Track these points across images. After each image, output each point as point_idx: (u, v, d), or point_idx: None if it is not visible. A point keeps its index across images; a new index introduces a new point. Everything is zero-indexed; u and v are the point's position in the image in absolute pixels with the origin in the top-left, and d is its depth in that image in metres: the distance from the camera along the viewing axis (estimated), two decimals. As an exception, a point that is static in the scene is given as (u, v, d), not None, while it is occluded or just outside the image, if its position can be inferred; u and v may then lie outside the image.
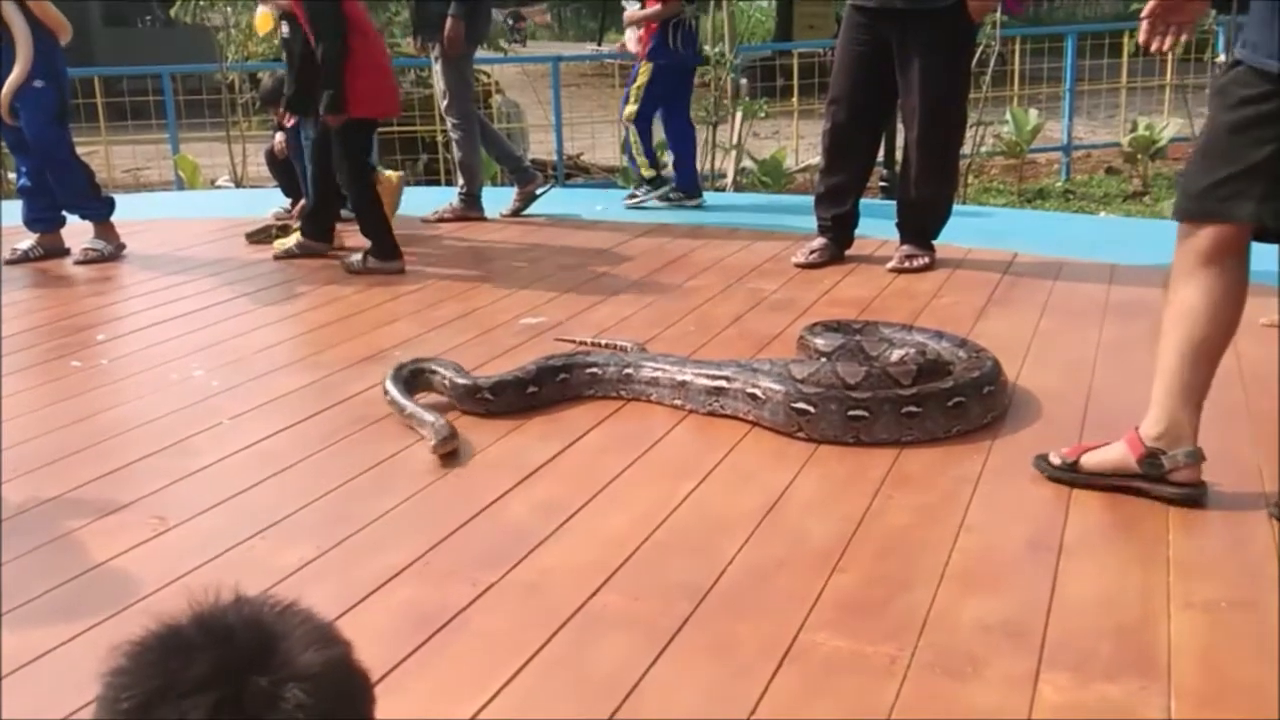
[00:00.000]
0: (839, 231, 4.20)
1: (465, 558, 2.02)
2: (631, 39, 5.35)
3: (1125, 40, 8.48)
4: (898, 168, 8.04)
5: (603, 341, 3.19)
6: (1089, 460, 2.22)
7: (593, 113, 10.69)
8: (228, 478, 2.40)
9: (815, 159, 8.97)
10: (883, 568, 1.96)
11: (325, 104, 4.04)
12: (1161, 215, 6.92)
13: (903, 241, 4.11)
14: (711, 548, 2.03)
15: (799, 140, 9.22)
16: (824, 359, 2.87)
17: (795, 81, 8.86)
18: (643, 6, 5.19)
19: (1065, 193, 8.44)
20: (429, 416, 2.56)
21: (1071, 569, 1.93)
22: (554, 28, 30.04)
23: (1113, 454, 2.19)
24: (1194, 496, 2.12)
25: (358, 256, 4.20)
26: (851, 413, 2.48)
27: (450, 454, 2.45)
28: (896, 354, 2.87)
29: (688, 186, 5.36)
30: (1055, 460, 2.26)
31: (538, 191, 5.24)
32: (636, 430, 2.60)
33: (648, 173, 5.31)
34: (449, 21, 4.80)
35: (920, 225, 4.10)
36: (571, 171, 9.01)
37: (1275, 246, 2.17)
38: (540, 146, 9.91)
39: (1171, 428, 2.11)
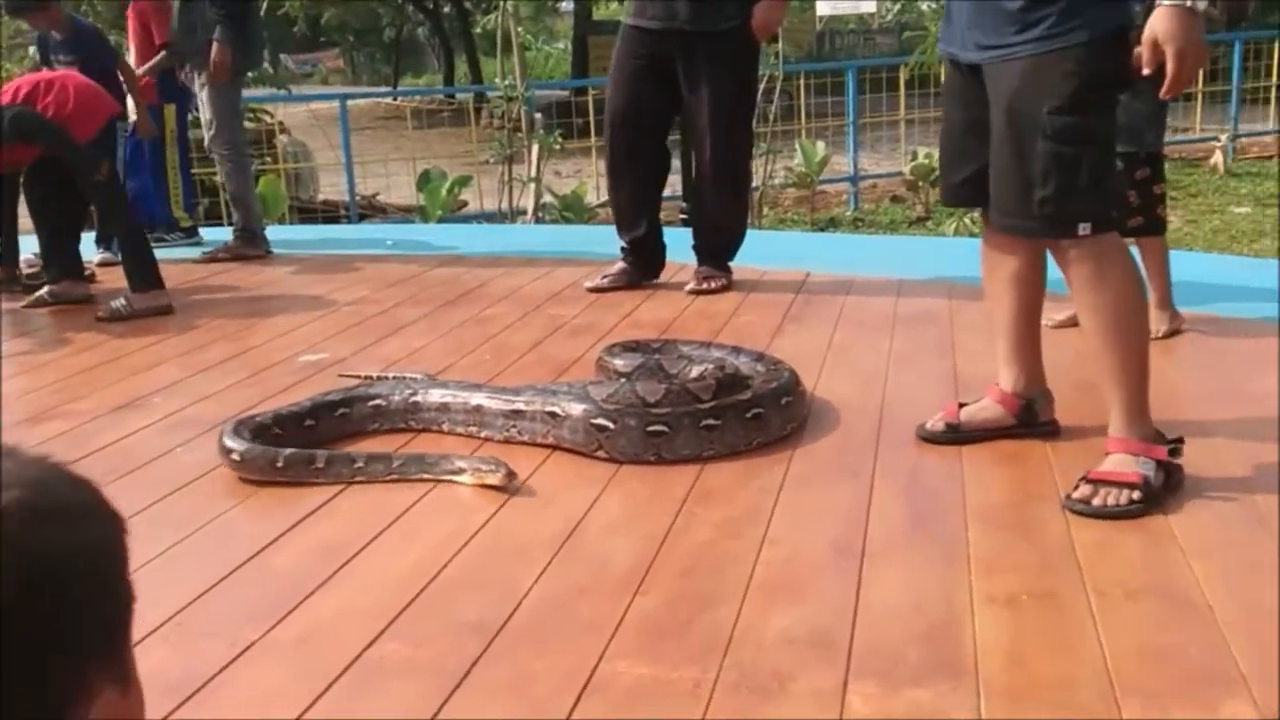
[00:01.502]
0: (638, 257, 4.10)
1: (225, 614, 1.81)
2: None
3: (901, 74, 8.89)
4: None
5: (390, 375, 3.01)
6: (968, 417, 2.43)
7: (388, 154, 10.43)
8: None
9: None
10: (686, 587, 1.86)
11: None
12: (944, 235, 7.23)
13: (700, 263, 4.07)
14: (506, 580, 1.89)
15: (599, 176, 9.24)
16: (623, 379, 2.78)
17: (592, 118, 8.88)
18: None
19: (855, 221, 8.76)
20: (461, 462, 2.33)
21: (875, 573, 1.88)
22: (347, 72, 29.47)
23: (990, 411, 2.44)
24: (1057, 431, 2.43)
25: (119, 301, 3.87)
26: (651, 428, 2.39)
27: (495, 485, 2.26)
28: (696, 370, 2.81)
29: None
30: (937, 426, 2.43)
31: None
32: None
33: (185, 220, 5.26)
34: (215, 47, 4.53)
35: (716, 247, 4.07)
36: (366, 211, 8.74)
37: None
38: (333, 188, 9.61)
39: (1031, 378, 2.42)
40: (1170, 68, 1.96)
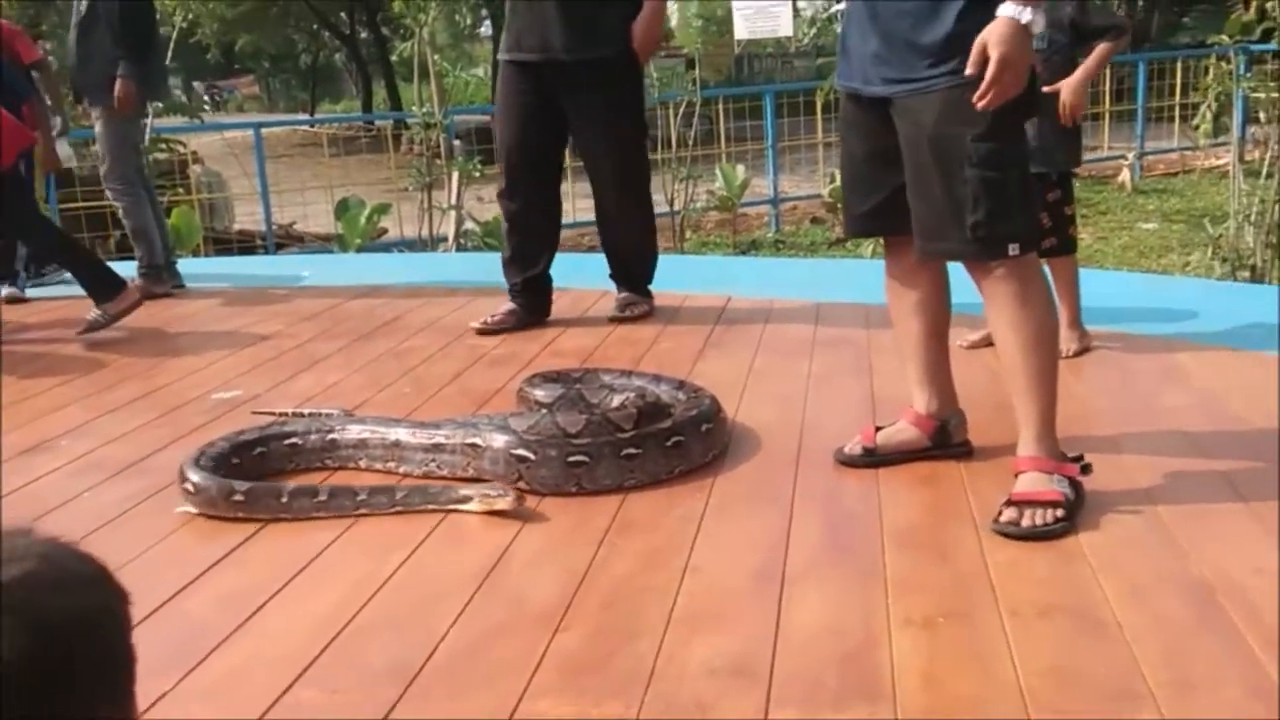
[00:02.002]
0: (529, 297, 3.93)
1: (134, 665, 1.75)
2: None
3: (818, 98, 9.03)
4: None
5: (305, 411, 2.96)
6: (884, 440, 2.46)
7: (305, 182, 10.30)
8: None
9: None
10: (608, 620, 1.85)
11: None
12: (862, 257, 7.34)
13: (620, 290, 4.06)
14: (424, 622, 1.86)
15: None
16: (544, 410, 2.77)
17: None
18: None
19: (776, 243, 8.86)
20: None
21: (795, 599, 1.89)
22: (263, 99, 29.08)
23: (905, 433, 2.48)
24: (970, 451, 2.48)
25: (94, 314, 3.92)
26: (571, 459, 2.38)
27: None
28: (617, 399, 2.81)
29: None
30: (854, 450, 2.47)
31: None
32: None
33: None
34: (119, 82, 4.43)
35: (632, 274, 4.06)
36: (284, 241, 8.61)
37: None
38: (249, 217, 9.45)
39: (943, 400, 2.47)
40: (990, 71, 2.03)
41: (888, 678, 1.64)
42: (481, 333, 3.79)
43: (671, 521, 2.25)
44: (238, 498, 2.31)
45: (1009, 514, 2.10)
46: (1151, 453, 2.46)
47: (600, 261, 4.35)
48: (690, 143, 8.27)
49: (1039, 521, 2.08)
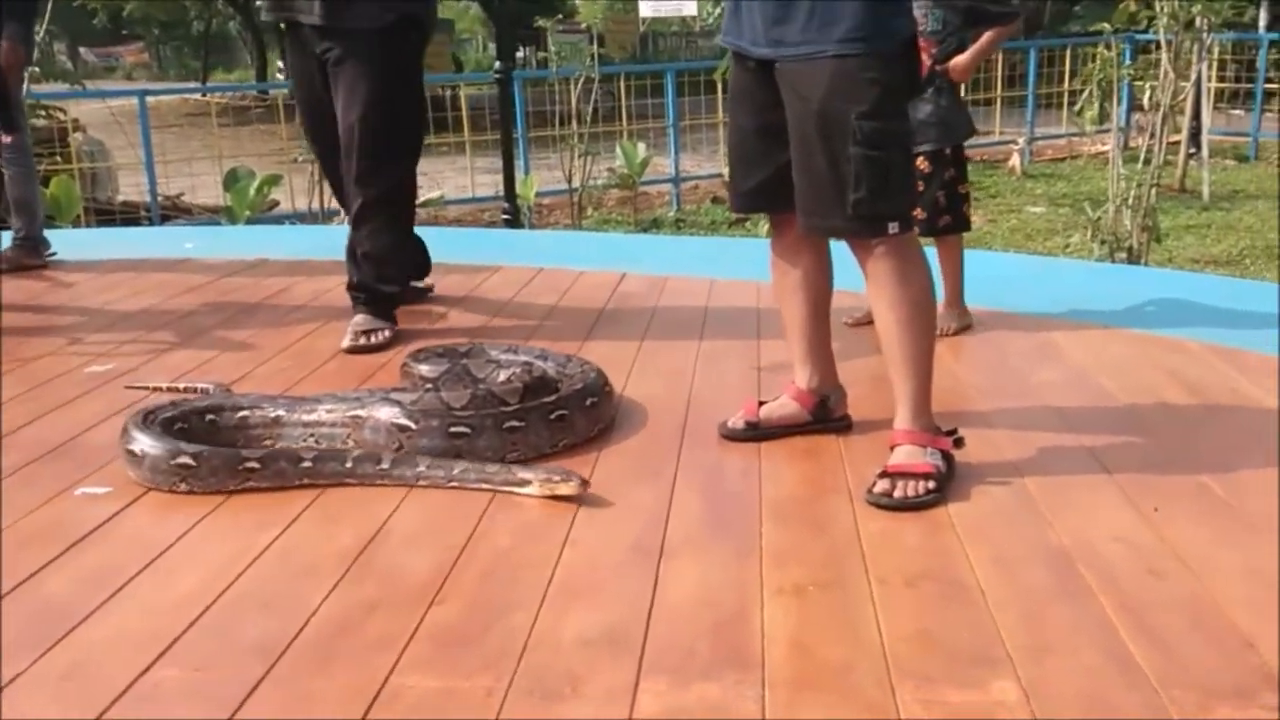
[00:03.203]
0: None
1: (-15, 647, 1.68)
2: None
3: (719, 77, 9.06)
4: (531, 203, 8.07)
5: (180, 386, 2.87)
6: (767, 415, 2.49)
7: (195, 152, 9.99)
8: None
9: (436, 192, 8.92)
10: (484, 594, 1.84)
11: None
12: (759, 236, 7.41)
13: (356, 311, 3.35)
14: (294, 598, 1.82)
15: (421, 176, 9.09)
16: (429, 386, 2.74)
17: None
18: None
19: (677, 221, 8.90)
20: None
21: (673, 570, 1.90)
22: (153, 66, 28.07)
23: (787, 408, 2.51)
24: (850, 426, 2.53)
25: None
26: (453, 429, 2.36)
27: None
28: (503, 374, 2.79)
29: None
30: (738, 424, 2.49)
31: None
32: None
33: None
34: (5, 45, 4.21)
35: (372, 287, 3.37)
36: (170, 212, 8.35)
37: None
38: (135, 188, 9.14)
39: (824, 375, 2.51)
40: None
41: (758, 646, 1.66)
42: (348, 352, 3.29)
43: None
44: (252, 464, 2.26)
45: (882, 485, 2.15)
46: (1022, 427, 2.53)
47: (493, 237, 4.32)
48: (588, 118, 8.23)
49: (910, 493, 2.13)
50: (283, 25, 3.47)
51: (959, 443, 2.27)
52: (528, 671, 1.60)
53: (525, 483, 2.22)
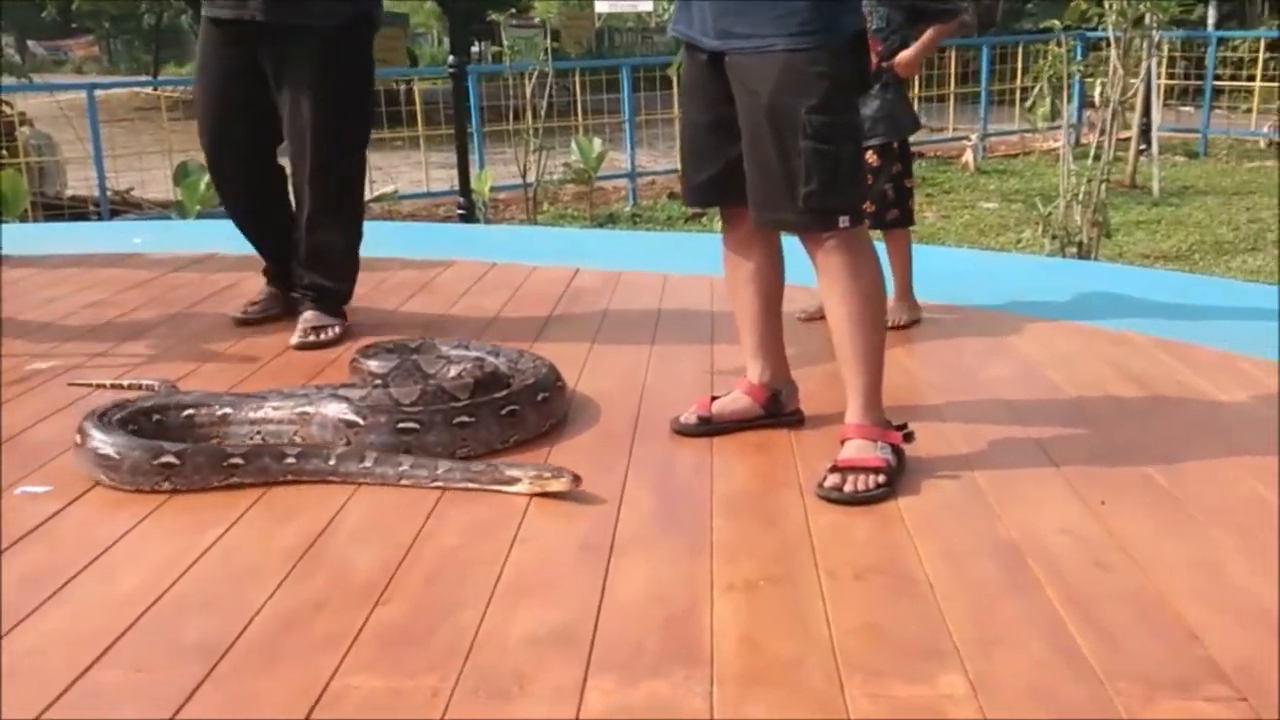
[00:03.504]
0: (283, 280, 3.46)
1: (-87, 651, 1.64)
2: None
3: (673, 72, 9.06)
4: (486, 199, 8.01)
5: (125, 383, 2.82)
6: (719, 410, 2.49)
7: (145, 146, 9.81)
8: None
9: (390, 187, 8.85)
10: (431, 593, 1.82)
11: None
12: (714, 231, 7.41)
13: (305, 308, 3.33)
14: (238, 598, 1.79)
15: (373, 170, 9.02)
16: (379, 382, 2.71)
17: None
18: None
19: (633, 217, 8.87)
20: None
21: (623, 567, 1.89)
22: (103, 60, 27.60)
23: (739, 403, 2.50)
24: (802, 420, 2.52)
25: None
26: (401, 425, 2.34)
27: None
28: (454, 370, 2.77)
29: None
30: (690, 419, 2.48)
31: None
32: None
33: None
34: None
35: (323, 285, 3.36)
36: (119, 207, 8.21)
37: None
38: (84, 183, 8.97)
39: (776, 370, 2.51)
40: None
41: (707, 641, 1.65)
42: (241, 322, 3.39)
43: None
44: (289, 461, 2.23)
45: (833, 480, 2.15)
46: (972, 421, 2.55)
47: (447, 232, 4.28)
48: (542, 113, 8.20)
49: (860, 487, 2.13)
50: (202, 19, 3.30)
51: (909, 437, 2.27)
52: (474, 671, 1.58)
53: (514, 481, 2.18)
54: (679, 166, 9.22)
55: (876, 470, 2.16)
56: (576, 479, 2.16)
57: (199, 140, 3.37)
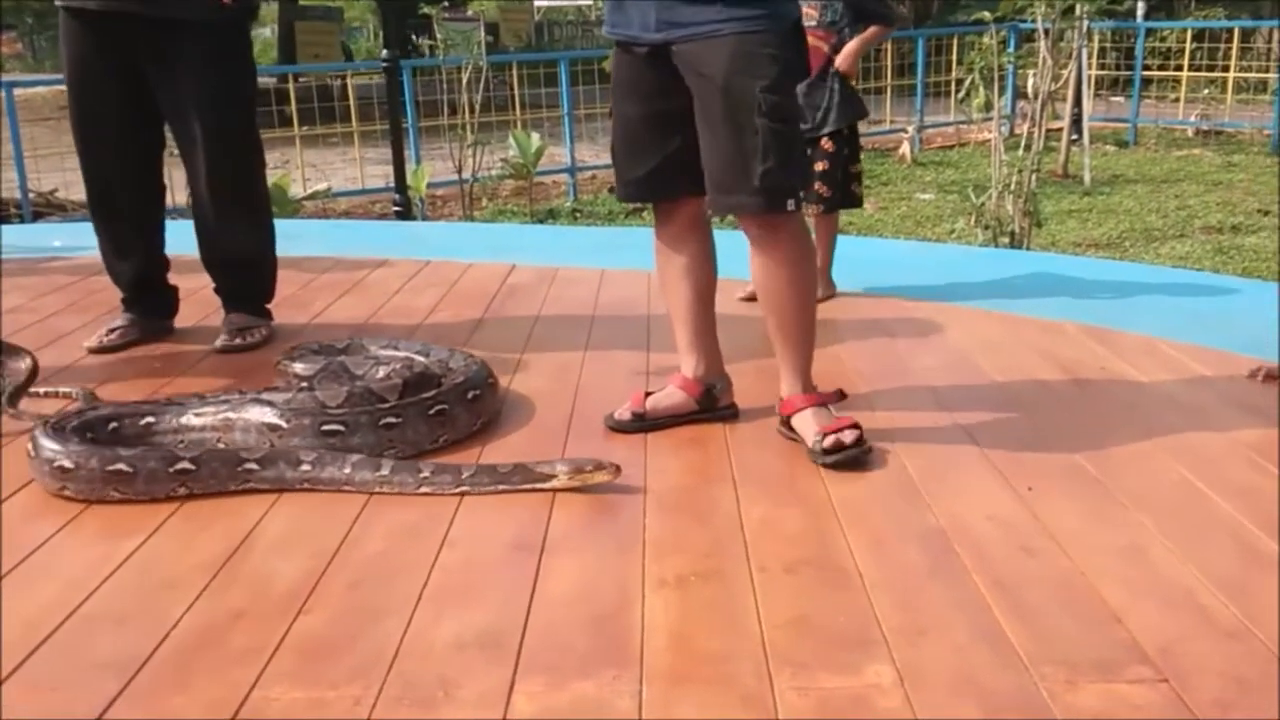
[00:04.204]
0: (143, 306, 3.26)
1: None
2: None
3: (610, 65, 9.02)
4: (423, 195, 7.93)
5: (42, 391, 2.73)
6: (653, 405, 2.46)
7: (70, 146, 9.58)
8: None
9: (323, 184, 8.71)
10: (355, 600, 1.78)
11: None
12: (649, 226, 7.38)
13: (228, 311, 3.25)
14: (153, 612, 1.74)
15: (306, 166, 8.88)
16: (304, 384, 2.65)
17: (294, 106, 8.52)
18: None
19: (574, 212, 8.82)
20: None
21: (553, 567, 1.87)
22: (28, 57, 26.91)
23: (673, 398, 2.48)
24: (736, 414, 2.51)
25: None
26: (326, 427, 2.29)
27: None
28: (383, 371, 2.72)
29: None
30: (624, 415, 2.46)
31: None
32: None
33: None
34: None
35: (241, 290, 3.27)
36: (43, 210, 8.00)
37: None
38: (5, 184, 8.72)
39: (710, 364, 2.50)
40: None
41: (637, 640, 1.64)
42: (96, 351, 3.12)
43: (430, 494, 2.18)
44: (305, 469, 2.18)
45: (829, 441, 2.23)
46: (902, 409, 2.56)
47: (381, 230, 4.22)
48: (476, 108, 8.12)
49: (850, 440, 2.23)
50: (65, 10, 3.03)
51: (842, 395, 2.39)
52: (398, 679, 1.55)
53: (549, 477, 2.14)
54: (613, 163, 9.23)
55: (854, 425, 2.27)
56: (617, 469, 2.13)
57: (76, 150, 3.13)
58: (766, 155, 2.19)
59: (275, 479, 2.18)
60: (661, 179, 2.37)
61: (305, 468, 2.18)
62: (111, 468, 2.13)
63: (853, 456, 2.22)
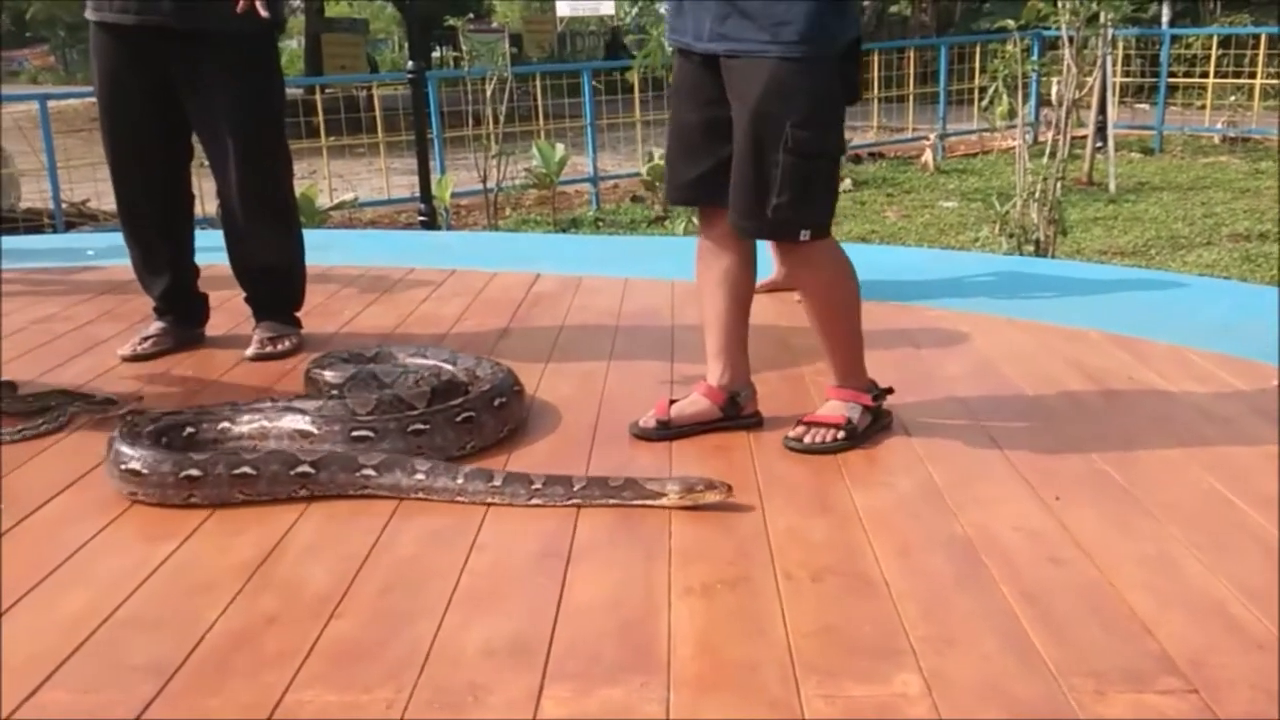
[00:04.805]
0: (175, 314, 3.31)
1: None
2: None
3: (634, 76, 9.07)
4: (447, 204, 8.01)
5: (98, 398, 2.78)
6: (678, 413, 2.48)
7: (102, 157, 9.69)
8: None
9: (350, 194, 8.79)
10: (386, 605, 1.80)
11: None
12: (676, 235, 7.42)
13: (258, 320, 3.31)
14: (187, 616, 1.77)
15: (333, 177, 8.95)
16: (335, 392, 2.68)
17: (321, 117, 8.60)
18: None
19: (596, 221, 8.86)
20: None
21: (580, 574, 1.89)
22: (60, 70, 27.26)
23: (698, 405, 2.50)
24: (760, 422, 2.52)
25: None
26: (355, 434, 2.32)
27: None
28: (411, 378, 2.75)
29: None
30: (649, 423, 2.48)
31: None
32: (109, 493, 2.25)
33: None
34: None
35: (272, 299, 3.32)
36: (75, 220, 8.11)
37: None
38: (39, 195, 8.84)
39: (736, 372, 2.50)
40: None
41: (664, 647, 1.65)
42: (130, 359, 3.17)
43: (459, 500, 2.20)
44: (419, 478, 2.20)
45: (796, 431, 2.39)
46: (929, 418, 2.56)
47: (407, 239, 4.25)
48: (502, 118, 8.17)
49: (819, 440, 2.35)
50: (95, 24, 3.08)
51: (878, 397, 2.44)
52: (429, 683, 1.57)
53: (659, 495, 2.12)
54: (641, 171, 9.22)
55: (837, 426, 2.34)
56: (729, 488, 2.11)
57: (107, 162, 3.17)
58: (783, 189, 2.22)
59: (392, 486, 2.20)
60: (711, 183, 2.39)
61: (419, 476, 2.20)
62: (236, 471, 2.16)
63: (803, 447, 2.36)
